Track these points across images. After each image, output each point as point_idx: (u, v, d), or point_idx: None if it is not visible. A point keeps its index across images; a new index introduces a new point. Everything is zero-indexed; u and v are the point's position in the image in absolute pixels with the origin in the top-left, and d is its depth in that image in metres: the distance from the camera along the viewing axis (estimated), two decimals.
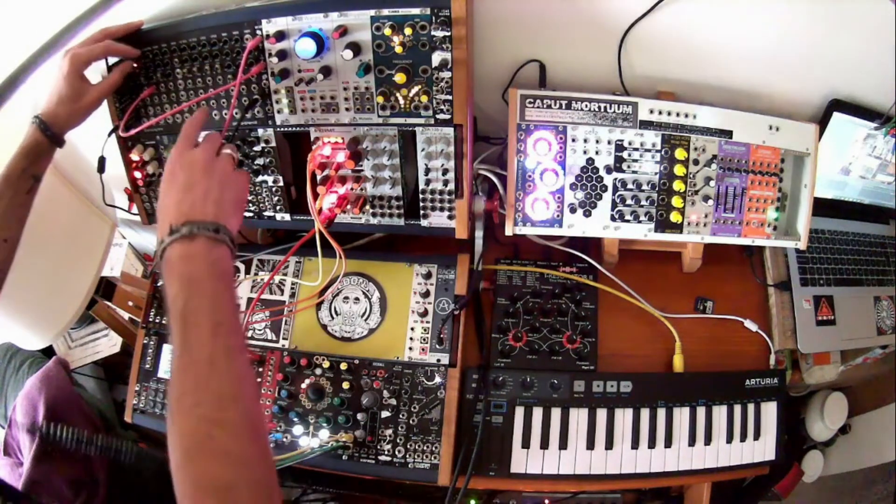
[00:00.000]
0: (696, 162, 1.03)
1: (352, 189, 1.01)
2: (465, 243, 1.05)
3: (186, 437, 0.51)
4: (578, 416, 1.02)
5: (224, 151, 0.74)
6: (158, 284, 1.14)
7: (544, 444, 1.00)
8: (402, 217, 1.02)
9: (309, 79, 0.93)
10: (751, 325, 1.14)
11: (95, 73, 1.00)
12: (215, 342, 0.55)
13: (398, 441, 0.99)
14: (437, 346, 1.02)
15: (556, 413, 1.02)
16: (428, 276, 1.06)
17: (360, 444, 0.99)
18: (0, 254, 0.86)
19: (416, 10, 0.85)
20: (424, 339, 1.03)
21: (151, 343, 1.12)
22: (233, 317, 0.60)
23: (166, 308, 0.59)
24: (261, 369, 1.05)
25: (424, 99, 0.91)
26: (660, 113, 1.01)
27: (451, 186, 0.98)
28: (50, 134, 0.89)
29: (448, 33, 0.86)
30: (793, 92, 1.10)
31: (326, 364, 1.02)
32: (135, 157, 1.06)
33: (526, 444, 1.00)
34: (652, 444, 1.02)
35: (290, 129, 0.98)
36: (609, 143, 1.01)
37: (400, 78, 0.88)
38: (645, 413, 1.03)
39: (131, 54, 0.96)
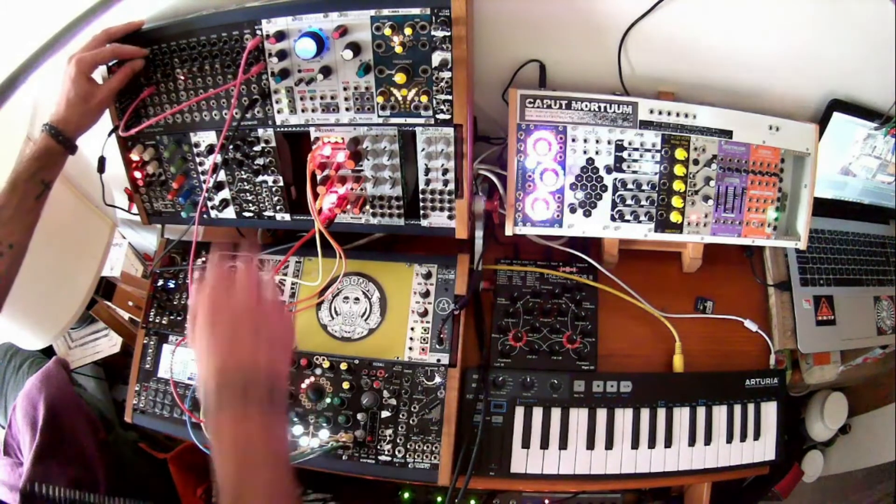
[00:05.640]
0: (696, 162, 1.03)
1: (352, 189, 1.01)
2: (465, 243, 1.05)
3: None
4: (578, 416, 1.02)
5: (265, 284, 0.65)
6: (158, 284, 1.14)
7: (544, 444, 1.00)
8: (402, 217, 1.02)
9: (309, 79, 0.93)
10: (751, 325, 1.14)
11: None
12: None
13: (398, 441, 0.99)
14: (437, 346, 1.02)
15: (556, 413, 1.02)
16: (428, 276, 1.06)
17: (360, 444, 0.99)
18: (6, 260, 0.85)
19: (416, 10, 0.85)
20: (424, 339, 1.03)
21: (151, 343, 1.12)
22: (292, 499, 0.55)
23: (216, 475, 0.54)
24: None
25: (424, 99, 0.91)
26: (660, 113, 1.01)
27: (451, 186, 0.98)
28: (62, 139, 0.88)
29: (448, 33, 0.86)
30: (793, 92, 1.10)
31: (326, 364, 1.02)
32: (135, 156, 1.06)
33: (526, 444, 1.00)
34: (652, 444, 1.02)
35: (290, 129, 0.98)
36: (609, 143, 1.01)
37: (400, 78, 0.88)
38: (645, 413, 1.03)
39: (139, 54, 0.95)
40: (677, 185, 1.03)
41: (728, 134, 1.03)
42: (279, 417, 0.57)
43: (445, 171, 0.97)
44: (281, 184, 1.04)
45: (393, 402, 1.00)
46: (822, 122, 1.10)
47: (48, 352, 1.48)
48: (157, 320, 1.13)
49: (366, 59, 0.90)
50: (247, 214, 1.09)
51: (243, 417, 0.54)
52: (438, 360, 1.01)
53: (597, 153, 1.02)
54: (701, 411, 1.04)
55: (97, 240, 1.23)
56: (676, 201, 1.03)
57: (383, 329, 1.05)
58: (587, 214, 1.04)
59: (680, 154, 1.01)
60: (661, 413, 1.03)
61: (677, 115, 1.01)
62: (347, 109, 0.95)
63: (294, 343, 0.67)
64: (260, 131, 1.00)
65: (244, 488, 0.52)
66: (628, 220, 1.04)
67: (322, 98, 0.95)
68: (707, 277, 1.15)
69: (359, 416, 0.99)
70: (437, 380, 1.00)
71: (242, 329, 0.60)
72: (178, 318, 1.12)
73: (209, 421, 0.56)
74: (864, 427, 1.44)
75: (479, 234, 1.07)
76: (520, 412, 1.02)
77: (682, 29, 1.00)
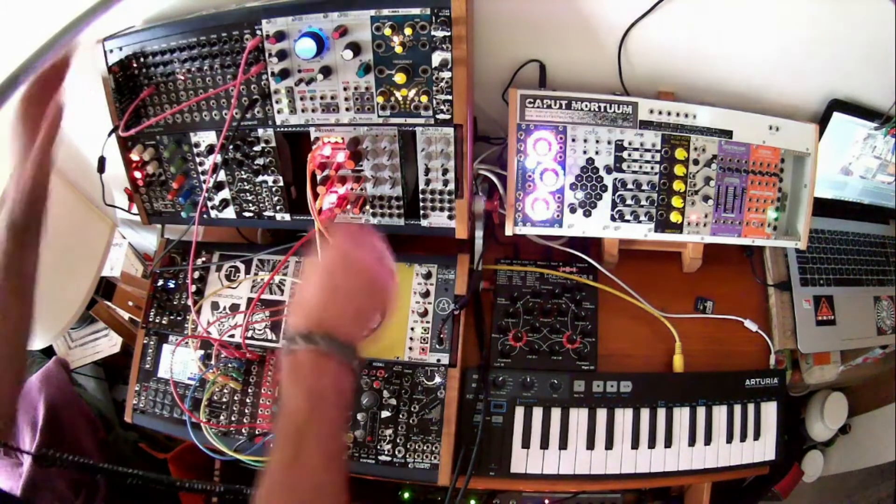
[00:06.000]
0: (695, 162, 1.03)
1: (352, 189, 1.01)
2: (465, 243, 1.05)
3: None
4: (578, 416, 1.02)
5: (384, 258, 0.70)
6: (158, 284, 1.14)
7: (544, 444, 1.00)
8: (402, 217, 1.02)
9: (309, 79, 0.93)
10: (751, 325, 1.14)
11: (96, 73, 1.00)
12: (326, 474, 0.56)
13: (398, 441, 0.99)
14: (437, 346, 1.02)
15: (556, 413, 1.02)
16: (428, 276, 1.06)
17: (360, 444, 0.99)
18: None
19: (416, 10, 0.85)
20: (424, 339, 1.03)
21: (151, 343, 1.12)
22: (344, 450, 0.61)
23: (281, 403, 0.60)
24: (261, 370, 1.05)
25: (424, 99, 0.91)
26: (660, 113, 1.01)
27: (451, 186, 0.98)
28: (40, 456, 0.80)
29: (448, 33, 0.86)
30: (793, 92, 1.10)
31: None
32: (135, 156, 1.06)
33: (526, 444, 1.00)
34: (652, 444, 1.02)
35: (290, 129, 0.98)
36: (609, 143, 1.01)
37: (400, 78, 0.88)
38: (645, 413, 1.03)
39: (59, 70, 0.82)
40: (677, 185, 1.03)
41: (728, 134, 1.03)
42: (349, 371, 0.62)
43: (445, 171, 0.97)
44: (281, 184, 1.04)
45: (393, 402, 1.00)
46: (822, 122, 1.10)
47: (48, 352, 1.48)
48: (157, 320, 1.13)
49: (366, 59, 0.90)
50: (247, 214, 1.09)
51: (321, 362, 0.59)
52: (438, 360, 1.01)
53: (597, 153, 1.02)
54: (701, 411, 1.04)
55: (97, 240, 1.23)
56: (676, 201, 1.03)
57: (383, 329, 1.04)
58: (587, 214, 1.04)
59: (680, 154, 1.01)
60: (661, 413, 1.03)
61: (677, 115, 1.01)
62: (347, 109, 0.95)
63: (391, 311, 0.71)
64: (260, 131, 1.00)
65: (311, 417, 0.57)
66: (628, 220, 1.04)
67: (322, 98, 0.95)
68: (707, 277, 1.15)
69: (359, 417, 0.99)
70: (437, 380, 1.00)
71: (356, 292, 0.64)
72: (178, 317, 1.12)
73: (290, 355, 0.60)
74: (864, 427, 1.43)
75: (479, 234, 1.07)
76: (520, 412, 1.02)
77: (681, 29, 1.00)
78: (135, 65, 0.99)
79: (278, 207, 1.07)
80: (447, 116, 0.92)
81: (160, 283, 1.14)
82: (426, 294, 1.04)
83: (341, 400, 0.61)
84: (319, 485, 0.56)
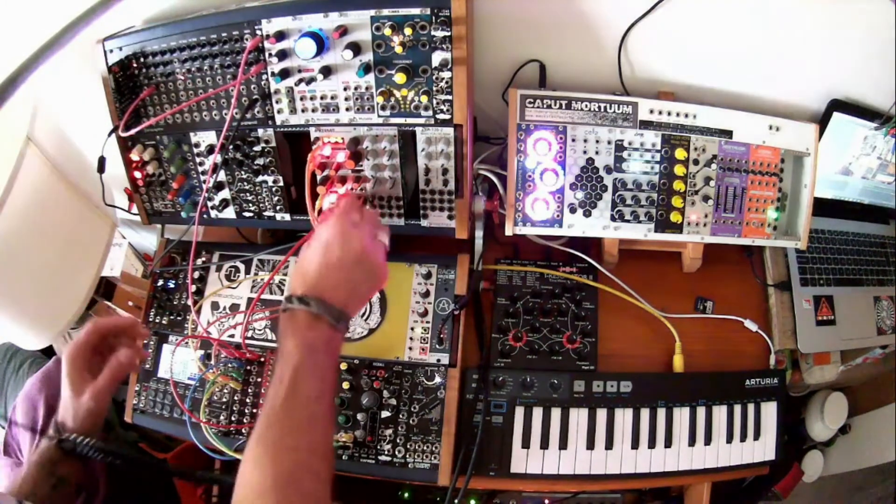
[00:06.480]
0: (696, 162, 1.03)
1: (352, 189, 1.01)
2: (465, 243, 1.05)
3: (280, 473, 0.60)
4: (578, 416, 1.02)
5: (379, 237, 0.81)
6: (158, 284, 1.14)
7: (544, 444, 1.00)
8: (402, 217, 1.02)
9: (309, 79, 0.93)
10: (751, 325, 1.14)
11: (94, 72, 1.00)
12: (318, 405, 0.65)
13: (398, 441, 0.99)
14: (437, 346, 1.02)
15: (556, 413, 1.02)
16: (428, 276, 1.06)
17: (360, 444, 0.99)
18: None
19: (416, 10, 0.85)
20: (424, 339, 1.03)
21: (151, 343, 1.12)
22: (334, 391, 0.70)
23: (278, 352, 0.68)
24: (261, 370, 1.05)
25: (424, 99, 0.91)
26: (660, 113, 1.01)
27: (451, 186, 0.98)
28: (63, 439, 0.79)
29: (448, 33, 0.86)
30: (793, 92, 1.10)
31: None
32: (135, 156, 1.06)
33: (526, 444, 1.00)
34: (652, 444, 1.02)
35: (290, 129, 0.98)
36: (609, 143, 1.02)
37: (400, 78, 0.88)
38: (645, 413, 1.03)
39: (126, 325, 0.88)
40: (677, 185, 1.03)
41: (728, 134, 1.03)
42: (337, 331, 0.70)
43: (445, 171, 0.97)
44: (281, 184, 1.04)
45: (393, 402, 1.00)
46: (822, 122, 1.10)
47: (48, 352, 1.48)
48: (157, 320, 1.13)
49: (366, 59, 0.90)
50: (247, 214, 1.09)
51: (313, 320, 0.68)
52: (438, 360, 1.01)
53: (597, 153, 1.02)
54: (701, 411, 1.04)
55: (97, 240, 1.23)
56: (676, 201, 1.03)
57: (383, 329, 1.04)
58: (587, 214, 1.04)
59: (680, 154, 1.01)
60: (661, 413, 1.03)
61: (677, 115, 1.01)
62: (347, 109, 0.95)
63: (381, 286, 0.82)
64: (260, 131, 1.00)
65: (304, 360, 0.65)
66: (628, 220, 1.04)
67: (322, 98, 0.95)
68: (707, 277, 1.15)
69: (359, 416, 0.99)
70: (437, 380, 1.00)
71: (346, 262, 0.73)
72: (178, 317, 1.12)
73: (287, 313, 0.69)
74: (864, 427, 1.43)
75: (479, 234, 1.07)
76: (520, 412, 1.02)
77: (681, 29, 1.00)
78: (135, 65, 0.99)
79: (278, 207, 1.07)
80: (447, 116, 0.92)
81: (160, 283, 1.14)
82: (426, 294, 1.04)
83: (331, 350, 0.69)
84: (313, 415, 0.63)
